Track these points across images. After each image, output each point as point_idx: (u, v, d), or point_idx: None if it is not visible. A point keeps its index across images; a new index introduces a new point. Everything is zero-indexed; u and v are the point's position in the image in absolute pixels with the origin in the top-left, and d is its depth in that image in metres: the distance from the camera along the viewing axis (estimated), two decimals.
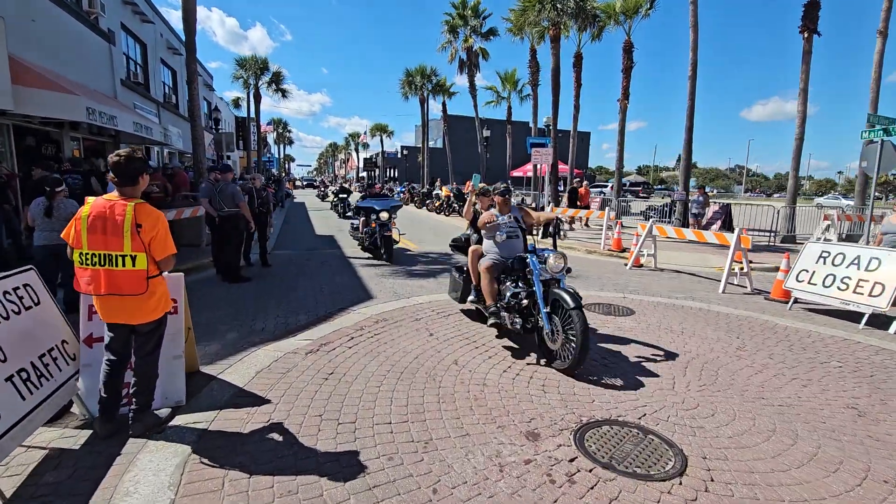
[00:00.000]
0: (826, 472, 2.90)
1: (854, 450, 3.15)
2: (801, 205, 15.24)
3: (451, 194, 23.08)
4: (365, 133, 64.81)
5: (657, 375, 4.25)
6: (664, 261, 10.11)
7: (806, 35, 13.55)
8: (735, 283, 8.34)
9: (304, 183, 66.35)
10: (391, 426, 3.26)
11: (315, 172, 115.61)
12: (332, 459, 2.86)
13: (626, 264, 10.12)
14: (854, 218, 14.10)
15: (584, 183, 18.36)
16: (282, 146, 70.97)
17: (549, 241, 5.54)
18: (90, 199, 2.90)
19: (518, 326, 4.60)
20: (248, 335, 5.15)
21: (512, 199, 5.47)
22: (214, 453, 2.90)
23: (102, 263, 2.82)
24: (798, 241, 14.28)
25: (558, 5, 15.85)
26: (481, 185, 5.35)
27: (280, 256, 10.28)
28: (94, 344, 3.36)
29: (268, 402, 3.58)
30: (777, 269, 10.30)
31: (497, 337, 5.16)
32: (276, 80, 35.23)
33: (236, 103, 40.85)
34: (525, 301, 4.60)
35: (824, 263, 6.68)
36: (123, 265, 2.83)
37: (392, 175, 66.23)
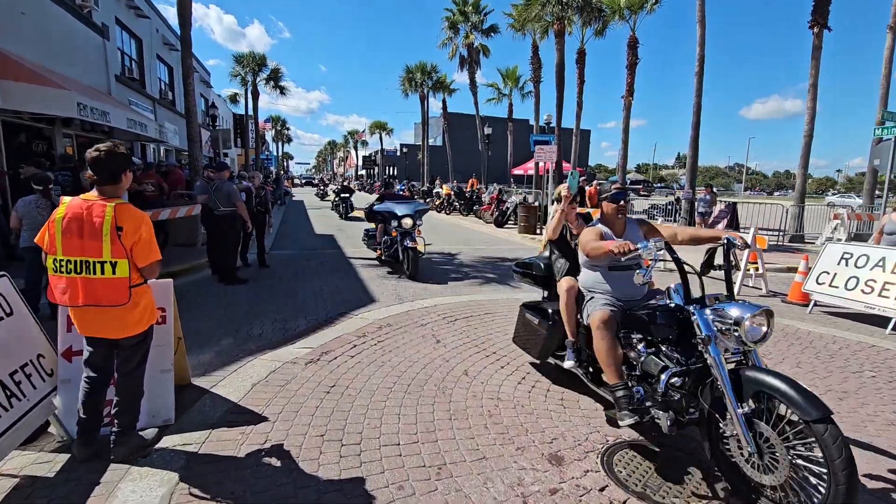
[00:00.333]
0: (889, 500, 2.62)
1: None
2: (809, 203, 14.98)
3: (452, 192, 22.82)
4: (364, 131, 64.43)
5: None
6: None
7: (816, 30, 13.26)
8: (749, 284, 8.06)
9: (303, 181, 65.97)
10: (399, 448, 2.98)
11: (313, 171, 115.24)
12: (336, 488, 2.57)
13: None
14: (864, 217, 13.85)
15: (594, 182, 18.05)
16: (280, 144, 70.57)
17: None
18: (66, 200, 2.61)
19: (669, 424, 2.70)
20: (243, 342, 4.85)
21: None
22: (205, 480, 2.61)
23: (79, 271, 2.53)
24: (807, 241, 14.02)
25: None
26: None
27: (278, 257, 9.98)
28: (73, 357, 3.06)
29: (265, 419, 3.29)
30: (789, 269, 10.08)
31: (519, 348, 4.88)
32: (275, 76, 34.86)
33: (234, 99, 40.45)
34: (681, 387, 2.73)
35: (846, 265, 6.40)
36: (102, 273, 2.54)
37: (391, 173, 65.88)
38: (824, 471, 2.11)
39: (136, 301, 2.68)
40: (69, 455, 2.83)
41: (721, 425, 2.50)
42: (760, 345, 2.55)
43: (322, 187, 37.14)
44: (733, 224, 14.48)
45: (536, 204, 15.45)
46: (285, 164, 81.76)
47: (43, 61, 9.71)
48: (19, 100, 7.93)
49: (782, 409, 2.31)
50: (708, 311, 2.64)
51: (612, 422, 3.24)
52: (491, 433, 3.17)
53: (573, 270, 3.78)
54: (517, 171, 31.24)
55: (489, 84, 33.93)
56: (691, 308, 2.70)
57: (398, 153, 63.17)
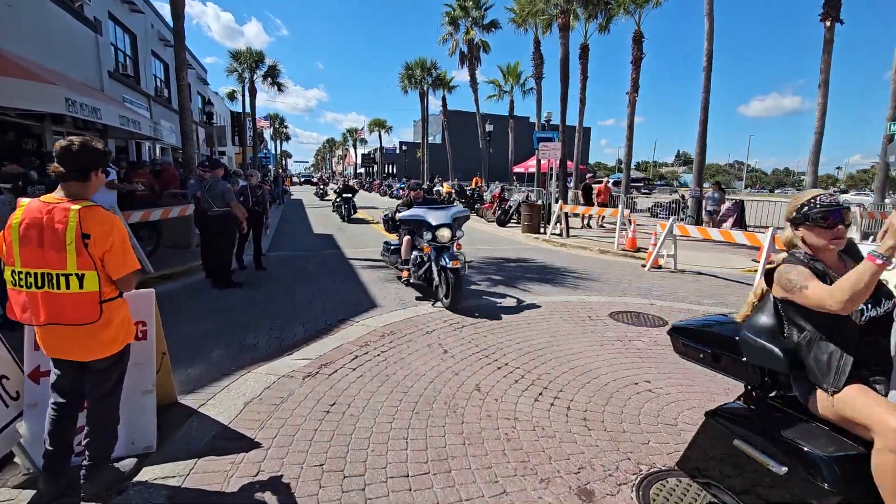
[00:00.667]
0: None
1: None
2: None
3: (453, 191, 22.50)
4: (363, 128, 64.00)
5: (715, 404, 3.63)
6: (682, 261, 9.50)
7: (828, 23, 12.91)
8: None
9: (302, 179, 65.53)
10: (409, 480, 2.65)
11: (312, 169, 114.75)
12: None
13: (643, 265, 9.52)
14: (876, 215, 13.53)
15: (605, 179, 17.69)
16: (278, 142, 70.09)
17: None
18: (23, 202, 2.27)
19: None
20: (237, 353, 4.52)
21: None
22: None
23: (40, 285, 2.19)
24: None
25: None
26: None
27: (275, 258, 9.64)
28: (42, 379, 2.72)
29: (258, 445, 2.95)
30: None
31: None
32: (272, 73, 34.37)
33: (231, 97, 39.96)
34: None
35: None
36: (67, 287, 2.20)
37: (390, 171, 65.48)
38: None
39: (109, 318, 2.34)
40: (34, 491, 2.49)
41: None
42: None
43: (322, 186, 36.51)
44: (740, 222, 14.18)
45: (540, 203, 15.12)
46: (284, 162, 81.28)
47: (31, 56, 9.35)
48: (3, 95, 7.57)
49: None
50: None
51: None
52: (510, 461, 2.84)
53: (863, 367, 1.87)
54: (518, 169, 30.91)
55: (490, 81, 33.51)
56: None
57: (397, 151, 62.74)
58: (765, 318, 2.12)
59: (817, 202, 1.98)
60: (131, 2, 15.95)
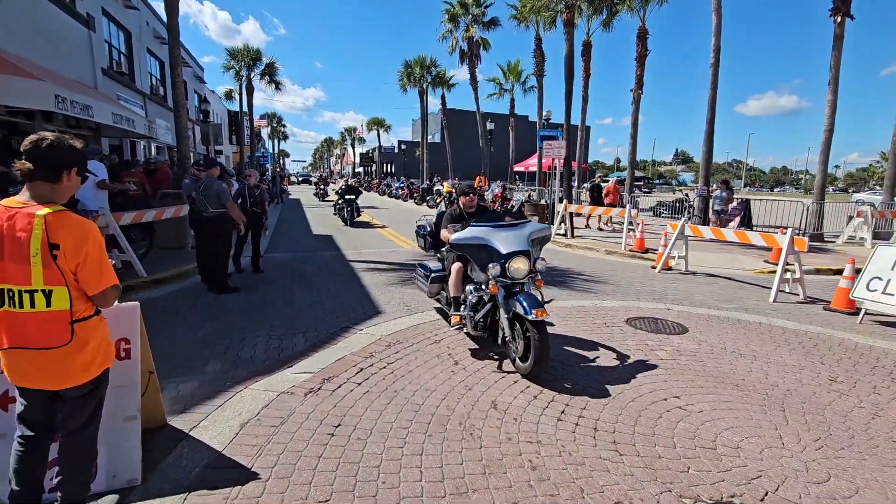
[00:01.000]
0: None
1: None
2: (828, 200, 14.38)
3: (453, 190, 22.18)
4: (361, 127, 63.58)
5: (754, 424, 3.34)
6: (691, 262, 9.20)
7: (839, 19, 12.63)
8: (786, 290, 7.44)
9: (300, 179, 65.06)
10: None
11: (310, 168, 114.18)
12: None
13: (653, 267, 9.23)
14: (887, 214, 13.28)
15: (613, 179, 17.40)
16: (276, 141, 69.62)
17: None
18: None
19: None
20: (232, 366, 4.21)
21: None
22: None
23: (0, 303, 1.88)
24: (826, 240, 13.44)
25: None
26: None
27: (274, 260, 9.32)
28: (10, 405, 2.42)
29: (255, 476, 2.65)
30: (818, 271, 9.49)
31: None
32: (270, 71, 33.94)
33: (229, 95, 39.52)
34: None
35: None
36: (32, 305, 1.89)
37: (389, 170, 65.10)
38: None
39: (84, 340, 2.03)
40: None
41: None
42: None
43: (322, 186, 35.82)
44: (747, 221, 13.91)
45: (544, 202, 14.82)
46: (281, 161, 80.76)
47: (19, 51, 9.01)
48: None
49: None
50: None
51: None
52: (538, 494, 2.54)
53: None
54: (518, 168, 30.63)
55: (490, 79, 33.19)
56: None
57: (396, 150, 62.35)
58: None
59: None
60: None
